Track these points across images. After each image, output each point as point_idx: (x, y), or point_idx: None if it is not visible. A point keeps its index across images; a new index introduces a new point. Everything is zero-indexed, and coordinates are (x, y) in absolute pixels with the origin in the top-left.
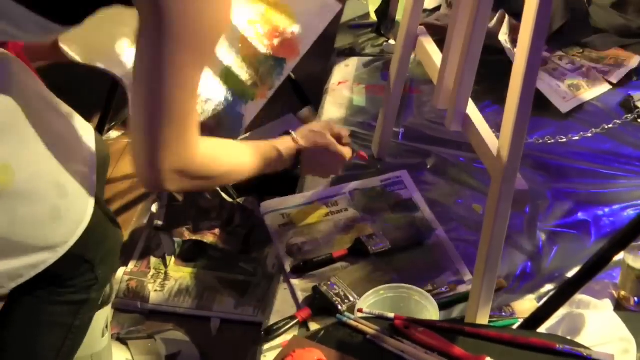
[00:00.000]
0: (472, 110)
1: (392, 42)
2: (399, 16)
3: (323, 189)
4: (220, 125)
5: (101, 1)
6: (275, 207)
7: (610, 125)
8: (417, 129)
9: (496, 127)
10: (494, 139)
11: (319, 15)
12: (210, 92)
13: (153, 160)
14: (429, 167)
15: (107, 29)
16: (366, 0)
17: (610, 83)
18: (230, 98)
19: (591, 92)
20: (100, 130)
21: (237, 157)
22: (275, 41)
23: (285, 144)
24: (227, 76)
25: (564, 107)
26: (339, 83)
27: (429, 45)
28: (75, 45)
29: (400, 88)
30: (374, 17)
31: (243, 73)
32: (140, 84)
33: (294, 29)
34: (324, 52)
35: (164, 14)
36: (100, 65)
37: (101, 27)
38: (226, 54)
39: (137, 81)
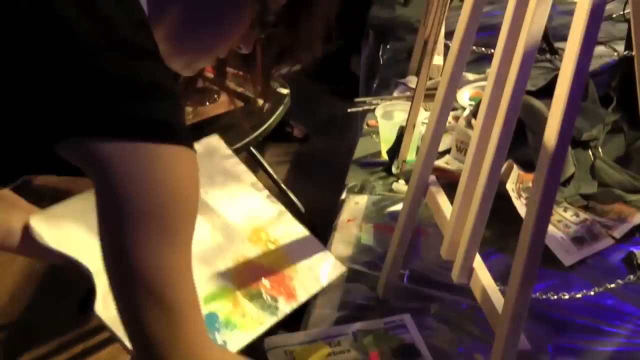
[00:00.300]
0: (478, 263)
1: (401, 182)
2: (410, 156)
3: (327, 328)
4: None
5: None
6: (280, 344)
7: (613, 285)
8: (422, 272)
9: (500, 278)
10: (500, 297)
11: (323, 272)
12: None
13: None
14: (432, 312)
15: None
16: (378, 138)
17: (614, 238)
18: (209, 322)
19: (594, 246)
20: None
21: None
22: (273, 280)
23: None
24: (212, 298)
25: (567, 261)
26: (348, 220)
27: (439, 195)
28: (46, 226)
29: (408, 233)
30: (385, 156)
31: (229, 303)
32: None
33: (292, 276)
34: (336, 186)
35: (111, 181)
36: (70, 254)
37: (82, 213)
38: (217, 279)
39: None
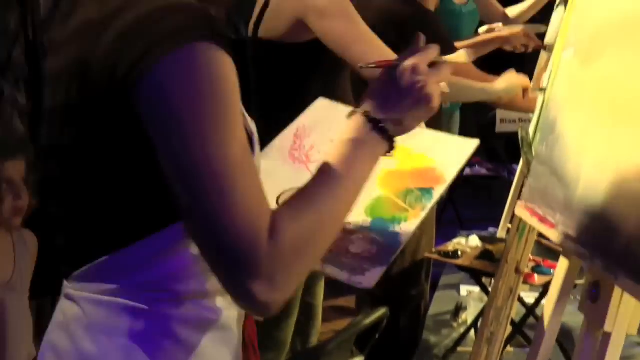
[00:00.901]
0: None
1: None
2: None
3: None
4: (374, 244)
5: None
6: None
7: None
8: None
9: None
10: None
11: (459, 151)
12: (354, 216)
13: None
14: None
15: None
16: None
17: None
18: (378, 224)
19: None
20: None
21: (318, 208)
22: (417, 178)
23: (351, 127)
24: (372, 209)
25: None
26: None
27: None
28: None
29: None
30: None
31: (388, 205)
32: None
33: (434, 165)
34: None
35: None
36: None
37: None
38: (367, 193)
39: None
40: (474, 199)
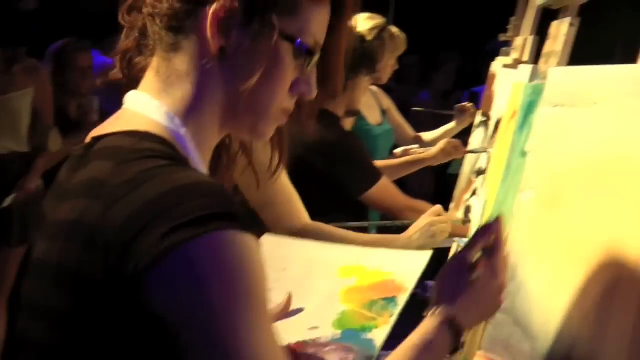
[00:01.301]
0: None
1: None
2: None
3: None
4: (350, 352)
5: None
6: None
7: None
8: None
9: None
10: None
11: (413, 262)
12: (323, 332)
13: None
14: None
15: None
16: None
17: None
18: (349, 334)
19: None
20: None
21: None
22: (378, 290)
23: (425, 329)
24: (340, 322)
25: None
26: None
27: None
28: None
29: None
30: None
31: (355, 317)
32: None
33: (392, 277)
34: None
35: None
36: None
37: None
38: (331, 310)
39: None
40: None
